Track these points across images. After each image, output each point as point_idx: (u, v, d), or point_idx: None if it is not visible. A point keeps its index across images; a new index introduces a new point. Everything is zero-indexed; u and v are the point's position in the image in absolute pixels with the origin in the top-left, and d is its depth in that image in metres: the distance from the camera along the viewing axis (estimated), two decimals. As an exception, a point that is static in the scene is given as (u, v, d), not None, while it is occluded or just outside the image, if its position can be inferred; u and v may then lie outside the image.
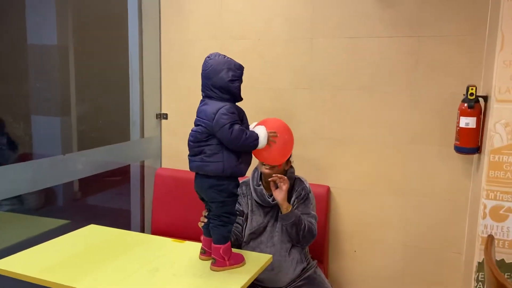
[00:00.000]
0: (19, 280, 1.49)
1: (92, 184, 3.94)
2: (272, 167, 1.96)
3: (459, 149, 2.03)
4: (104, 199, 4.16)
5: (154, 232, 2.64)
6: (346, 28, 2.30)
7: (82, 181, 3.65)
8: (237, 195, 1.62)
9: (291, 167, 2.06)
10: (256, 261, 1.66)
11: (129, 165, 2.79)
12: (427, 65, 2.19)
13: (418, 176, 2.27)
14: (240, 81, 1.59)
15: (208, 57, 1.60)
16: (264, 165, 1.98)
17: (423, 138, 2.24)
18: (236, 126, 1.52)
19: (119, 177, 3.55)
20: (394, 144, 2.29)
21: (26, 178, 1.87)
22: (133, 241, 1.86)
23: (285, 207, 1.90)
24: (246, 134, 1.55)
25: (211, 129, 1.54)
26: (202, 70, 1.58)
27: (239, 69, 1.58)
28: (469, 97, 1.96)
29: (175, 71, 2.68)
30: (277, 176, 1.90)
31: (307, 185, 2.06)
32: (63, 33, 3.84)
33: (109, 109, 4.41)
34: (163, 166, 2.78)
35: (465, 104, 1.97)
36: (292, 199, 2.01)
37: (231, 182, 1.58)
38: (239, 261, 1.61)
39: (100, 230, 1.97)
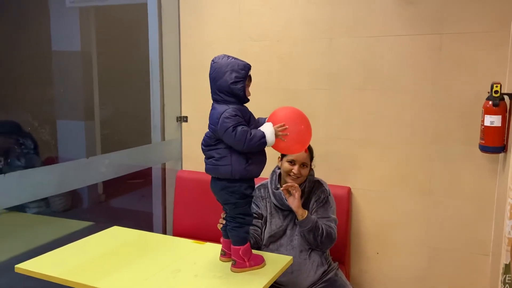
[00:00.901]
0: (45, 281, 1.53)
1: (116, 186, 4.02)
2: (297, 178, 1.96)
3: (484, 148, 1.98)
4: (127, 201, 4.23)
5: (175, 234, 2.67)
6: (365, 28, 2.28)
7: (105, 183, 3.72)
8: (250, 196, 1.60)
9: (311, 169, 2.05)
10: (276, 262, 1.66)
11: (150, 167, 2.83)
12: (450, 63, 2.15)
13: (442, 176, 2.22)
14: (244, 81, 1.53)
15: (213, 60, 1.57)
16: (289, 175, 1.98)
17: (447, 138, 2.19)
18: (239, 128, 1.49)
19: (141, 179, 3.61)
20: (416, 143, 2.25)
21: (52, 181, 1.92)
22: (155, 242, 1.89)
23: (300, 214, 1.89)
24: (250, 134, 1.50)
25: (217, 134, 1.53)
26: (209, 75, 1.57)
27: (243, 69, 1.53)
28: (493, 94, 1.91)
29: (195, 74, 2.70)
30: (288, 184, 1.89)
31: (327, 188, 2.04)
32: (87, 39, 3.94)
33: (130, 113, 4.49)
34: (183, 168, 2.81)
35: (490, 102, 1.91)
36: (312, 202, 2.00)
37: (243, 184, 1.56)
38: (259, 262, 1.61)
39: (123, 231, 2.00)
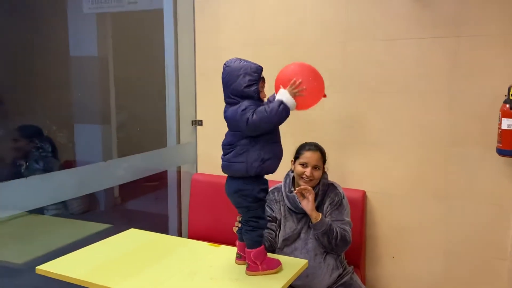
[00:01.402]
0: (65, 282, 1.56)
1: (131, 189, 4.05)
2: (310, 180, 1.96)
3: (501, 152, 1.95)
4: (142, 204, 4.28)
5: (190, 236, 2.69)
6: (380, 31, 2.27)
7: (121, 186, 3.77)
8: (263, 200, 1.59)
9: (325, 172, 2.05)
10: (291, 266, 1.66)
11: (166, 170, 2.86)
12: (467, 66, 2.13)
13: (458, 180, 2.20)
14: (258, 84, 1.52)
15: (225, 64, 1.58)
16: (302, 178, 1.98)
17: (464, 141, 2.17)
18: (256, 110, 1.46)
19: (156, 182, 3.64)
20: (433, 147, 2.23)
21: (72, 184, 1.96)
22: (171, 245, 1.91)
23: (314, 217, 1.90)
24: (268, 107, 1.47)
25: (238, 128, 1.52)
26: (222, 79, 1.58)
27: (256, 71, 1.52)
28: (510, 98, 1.89)
29: (209, 79, 2.73)
30: (301, 187, 1.90)
31: (341, 191, 2.04)
32: (103, 45, 4.00)
33: (146, 117, 4.53)
34: (199, 171, 2.83)
35: (507, 105, 1.90)
36: (326, 205, 2.00)
37: (255, 187, 1.55)
38: (273, 266, 1.61)
39: (139, 234, 2.03)
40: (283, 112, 1.49)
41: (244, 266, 1.64)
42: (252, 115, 1.48)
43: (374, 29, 2.28)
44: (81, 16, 3.92)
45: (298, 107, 1.55)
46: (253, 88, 1.52)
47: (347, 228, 1.97)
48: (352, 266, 2.12)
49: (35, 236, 2.14)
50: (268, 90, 1.61)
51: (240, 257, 1.69)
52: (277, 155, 1.59)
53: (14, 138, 3.11)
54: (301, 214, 1.99)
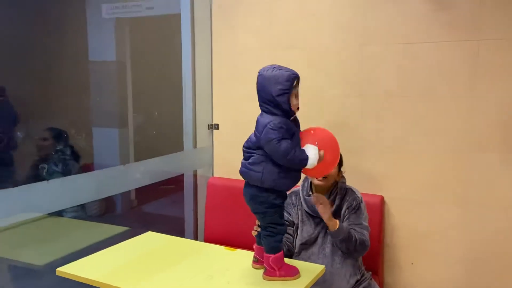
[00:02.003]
0: (84, 284, 1.59)
1: (147, 192, 4.10)
2: (324, 178, 1.95)
3: (525, 157, 1.90)
4: (158, 207, 4.31)
5: (206, 240, 2.69)
6: (398, 34, 2.25)
7: (137, 189, 3.81)
8: (280, 206, 1.58)
9: (343, 177, 2.04)
10: (308, 271, 1.64)
11: (182, 174, 2.88)
12: (488, 69, 2.09)
13: (479, 186, 2.16)
14: (289, 93, 1.50)
15: (258, 72, 1.56)
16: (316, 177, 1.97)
17: (484, 146, 2.13)
18: (284, 143, 1.48)
19: (172, 185, 3.67)
20: (453, 152, 2.19)
21: (90, 188, 1.99)
22: (188, 248, 1.91)
23: (332, 225, 1.87)
24: (295, 151, 1.49)
25: (260, 142, 1.53)
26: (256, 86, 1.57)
27: (288, 80, 1.49)
28: (535, 102, 1.84)
29: (226, 83, 2.74)
30: (318, 195, 1.88)
31: (359, 195, 2.02)
32: (122, 49, 4.06)
33: (163, 121, 4.58)
34: (215, 175, 2.84)
35: (531, 110, 1.85)
36: (343, 209, 1.98)
37: (271, 194, 1.54)
38: (292, 274, 1.58)
39: (157, 237, 2.04)
40: (300, 165, 1.52)
41: (261, 271, 1.63)
42: (278, 142, 1.48)
43: (392, 32, 2.26)
44: (100, 21, 3.99)
45: (305, 170, 1.58)
46: (283, 98, 1.50)
47: (365, 232, 1.95)
48: (370, 272, 2.09)
49: (55, 238, 2.18)
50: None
51: (257, 261, 1.69)
52: (295, 176, 1.58)
53: (44, 137, 3.17)
54: (319, 219, 1.97)
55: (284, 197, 1.61)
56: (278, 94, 1.49)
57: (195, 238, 2.89)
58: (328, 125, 1.72)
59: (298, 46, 2.50)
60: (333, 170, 1.95)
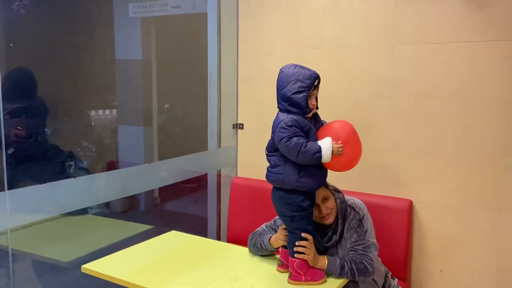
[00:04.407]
0: (107, 282, 1.59)
1: (170, 190, 4.12)
2: (329, 213, 1.71)
3: None
4: (181, 205, 4.33)
5: (229, 239, 2.68)
6: (431, 34, 2.17)
7: (161, 188, 3.83)
8: (308, 209, 1.54)
9: (336, 192, 1.80)
10: (334, 279, 1.61)
11: (206, 173, 2.87)
12: (525, 70, 2.00)
13: (514, 192, 2.06)
14: (309, 91, 1.49)
15: (280, 69, 1.55)
16: (322, 218, 1.72)
17: (521, 151, 2.04)
18: (294, 139, 1.45)
19: (195, 184, 3.67)
20: (486, 156, 2.11)
21: (115, 186, 2.00)
22: (212, 249, 1.91)
23: (321, 266, 1.60)
24: (305, 146, 1.45)
25: (275, 142, 1.52)
26: (276, 83, 1.56)
27: (309, 78, 1.48)
28: None
29: (251, 82, 2.72)
30: (297, 248, 1.57)
31: (359, 210, 1.76)
32: (147, 48, 4.09)
33: (188, 120, 4.60)
34: (238, 175, 2.82)
35: None
36: (345, 232, 1.73)
37: (299, 195, 1.51)
38: (317, 278, 1.56)
39: (180, 236, 2.04)
40: (315, 159, 1.47)
41: (286, 275, 1.61)
42: (288, 140, 1.46)
43: (424, 32, 2.19)
44: (126, 20, 4.03)
45: (329, 164, 1.52)
46: (302, 95, 1.48)
47: (370, 254, 1.66)
48: (396, 279, 2.02)
49: (80, 235, 2.20)
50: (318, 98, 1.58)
51: (282, 265, 1.66)
52: (317, 174, 1.53)
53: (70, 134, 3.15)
54: (324, 249, 1.74)
55: (312, 199, 1.58)
56: (297, 91, 1.48)
57: (218, 238, 2.88)
58: (356, 125, 1.67)
59: (326, 46, 2.46)
60: (330, 202, 1.73)
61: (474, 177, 2.14)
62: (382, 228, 2.10)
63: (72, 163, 2.83)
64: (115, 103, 4.32)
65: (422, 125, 2.24)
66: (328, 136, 1.52)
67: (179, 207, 4.27)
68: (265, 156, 1.62)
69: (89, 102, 4.01)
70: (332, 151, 1.49)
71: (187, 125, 4.48)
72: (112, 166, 3.95)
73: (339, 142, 1.51)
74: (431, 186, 2.24)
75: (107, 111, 4.29)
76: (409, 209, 2.24)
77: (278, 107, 1.58)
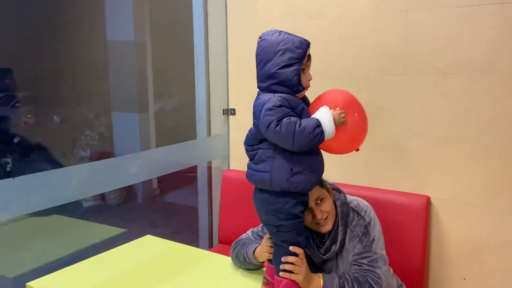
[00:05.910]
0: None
1: (167, 181, 3.97)
2: (325, 218, 1.40)
3: None
4: (178, 197, 4.17)
5: (221, 237, 2.46)
6: (453, -5, 1.84)
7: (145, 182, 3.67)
8: (299, 217, 1.23)
9: (336, 191, 1.50)
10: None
11: (196, 166, 2.60)
12: None
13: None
14: (300, 64, 1.20)
15: (260, 37, 1.25)
16: (317, 223, 1.42)
17: None
18: (285, 120, 1.15)
19: (194, 173, 3.48)
20: (520, 144, 1.79)
21: (72, 184, 1.74)
22: (190, 257, 1.68)
23: (314, 286, 1.30)
24: (300, 125, 1.15)
25: (258, 128, 1.22)
26: (256, 56, 1.26)
27: (300, 47, 1.20)
28: None
29: (243, 61, 2.43)
30: (284, 266, 1.26)
31: (364, 214, 1.46)
32: (140, 29, 3.90)
33: (179, 106, 4.42)
34: (231, 167, 2.57)
35: None
36: (347, 241, 1.43)
37: (290, 200, 1.21)
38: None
39: (156, 242, 1.84)
40: (317, 137, 1.16)
41: (272, 296, 1.31)
42: (278, 123, 1.15)
43: (445, -6, 1.86)
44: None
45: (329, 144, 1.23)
46: (293, 68, 1.19)
47: (377, 268, 1.36)
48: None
49: (34, 242, 1.93)
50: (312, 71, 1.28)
51: (267, 283, 1.37)
52: (314, 169, 1.24)
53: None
54: (321, 261, 1.47)
55: (305, 204, 1.26)
56: (286, 65, 1.19)
57: (210, 237, 2.66)
58: (364, 108, 1.36)
59: (327, 14, 2.15)
60: (326, 205, 1.40)
61: (505, 169, 1.85)
62: (394, 230, 1.91)
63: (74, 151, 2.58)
64: (108, 89, 4.15)
65: (443, 107, 1.94)
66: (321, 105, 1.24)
67: (175, 199, 4.12)
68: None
69: (81, 88, 3.87)
70: (334, 120, 1.19)
71: (179, 111, 4.31)
72: (107, 155, 3.81)
73: (337, 108, 1.23)
74: (453, 180, 1.95)
75: (101, 97, 4.15)
76: (426, 207, 1.96)
77: (259, 87, 1.27)
